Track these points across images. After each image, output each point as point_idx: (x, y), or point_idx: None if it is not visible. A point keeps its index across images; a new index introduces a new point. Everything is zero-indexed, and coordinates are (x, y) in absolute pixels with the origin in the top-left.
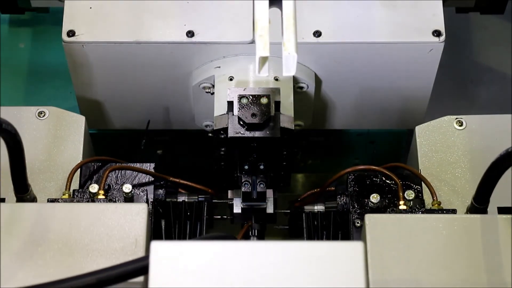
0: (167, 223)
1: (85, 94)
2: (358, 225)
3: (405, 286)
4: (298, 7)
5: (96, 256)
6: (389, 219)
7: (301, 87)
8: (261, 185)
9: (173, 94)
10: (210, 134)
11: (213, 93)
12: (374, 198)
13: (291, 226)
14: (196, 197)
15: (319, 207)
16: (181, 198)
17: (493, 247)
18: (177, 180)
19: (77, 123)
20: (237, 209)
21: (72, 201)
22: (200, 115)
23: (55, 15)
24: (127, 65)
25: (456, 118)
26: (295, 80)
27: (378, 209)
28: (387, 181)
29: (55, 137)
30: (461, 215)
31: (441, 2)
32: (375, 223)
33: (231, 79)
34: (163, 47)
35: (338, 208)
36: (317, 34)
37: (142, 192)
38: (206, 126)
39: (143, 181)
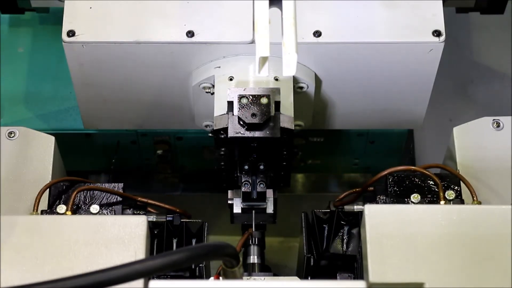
0: None
1: (85, 94)
2: None
3: (404, 276)
4: (298, 7)
5: (95, 269)
6: (389, 209)
7: (301, 87)
8: (261, 185)
9: (173, 94)
10: (210, 134)
11: (213, 93)
12: (415, 198)
13: (330, 227)
14: (165, 217)
15: (358, 207)
16: (149, 218)
17: (492, 238)
18: (146, 200)
19: (46, 143)
20: (237, 209)
21: None
22: (200, 115)
23: (55, 15)
24: (127, 65)
25: (494, 120)
26: (295, 80)
27: None
28: (426, 181)
29: (24, 158)
30: (460, 205)
31: (441, 2)
32: (374, 213)
33: (231, 79)
34: (163, 47)
35: None
36: (317, 34)
37: (110, 212)
38: (206, 126)
39: (112, 201)
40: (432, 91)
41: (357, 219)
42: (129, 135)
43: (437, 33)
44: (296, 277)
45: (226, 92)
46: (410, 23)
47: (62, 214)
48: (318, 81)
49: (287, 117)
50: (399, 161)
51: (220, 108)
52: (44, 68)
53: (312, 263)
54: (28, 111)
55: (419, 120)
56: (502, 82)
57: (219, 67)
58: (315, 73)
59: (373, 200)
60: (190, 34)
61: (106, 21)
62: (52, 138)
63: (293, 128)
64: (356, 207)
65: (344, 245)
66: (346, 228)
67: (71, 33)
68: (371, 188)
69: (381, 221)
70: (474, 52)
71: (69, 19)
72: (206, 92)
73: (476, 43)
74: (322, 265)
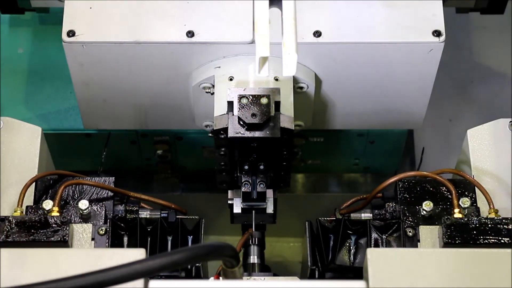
0: (129, 240)
1: (85, 94)
2: (410, 234)
3: None
4: (298, 7)
5: None
6: (392, 254)
7: (301, 87)
8: (261, 185)
9: (173, 94)
10: (210, 134)
11: (213, 93)
12: (427, 205)
13: (337, 236)
14: (159, 213)
15: (366, 215)
16: (143, 214)
17: (493, 282)
18: (138, 195)
19: (33, 134)
20: (237, 209)
21: (23, 218)
22: (200, 115)
23: (55, 15)
24: (127, 65)
25: (510, 121)
26: (295, 80)
27: (431, 217)
28: (438, 187)
29: (9, 149)
30: (464, 249)
31: (441, 2)
32: (377, 258)
33: (231, 79)
34: (163, 47)
35: (387, 216)
36: (317, 34)
37: (100, 208)
38: (206, 126)
39: (103, 196)
40: (432, 91)
41: (365, 228)
42: (129, 135)
43: (437, 33)
44: (296, 277)
45: (226, 92)
46: (410, 23)
47: (49, 210)
48: (318, 81)
49: (287, 117)
50: (400, 162)
51: (220, 108)
52: (44, 68)
53: (317, 276)
54: (28, 111)
55: (419, 120)
56: (502, 82)
57: (219, 67)
58: (315, 73)
59: (382, 208)
60: (190, 34)
61: (106, 21)
62: (39, 129)
63: (293, 128)
64: (364, 215)
65: (351, 256)
66: (353, 238)
67: (71, 33)
68: (380, 195)
69: (384, 266)
70: (474, 52)
71: (69, 19)
72: (206, 92)
73: (476, 44)
74: (327, 278)
